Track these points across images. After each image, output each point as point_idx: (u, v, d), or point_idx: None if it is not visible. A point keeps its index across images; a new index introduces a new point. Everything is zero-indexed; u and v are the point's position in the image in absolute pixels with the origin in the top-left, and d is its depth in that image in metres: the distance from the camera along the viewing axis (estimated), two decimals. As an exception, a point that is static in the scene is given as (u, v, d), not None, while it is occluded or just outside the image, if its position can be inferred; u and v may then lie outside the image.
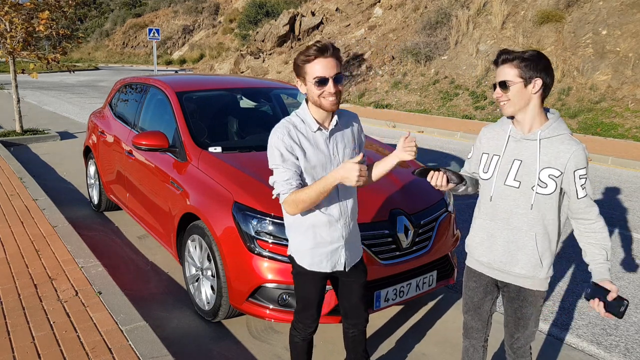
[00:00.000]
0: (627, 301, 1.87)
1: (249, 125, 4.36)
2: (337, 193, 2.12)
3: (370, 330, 3.32)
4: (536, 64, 1.93)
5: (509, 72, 1.97)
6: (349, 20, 21.47)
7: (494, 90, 2.04)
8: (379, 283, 3.00)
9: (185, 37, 44.80)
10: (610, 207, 6.06)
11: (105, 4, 62.81)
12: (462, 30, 15.78)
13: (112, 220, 5.38)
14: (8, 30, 9.22)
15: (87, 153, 5.91)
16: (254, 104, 4.70)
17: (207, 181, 3.35)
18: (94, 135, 5.61)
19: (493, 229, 2.11)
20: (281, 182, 2.02)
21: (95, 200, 5.61)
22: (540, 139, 1.98)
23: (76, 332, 2.91)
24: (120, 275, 4.00)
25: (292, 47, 22.20)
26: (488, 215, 2.13)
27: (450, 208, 3.55)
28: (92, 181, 5.74)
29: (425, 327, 3.39)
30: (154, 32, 20.47)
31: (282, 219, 2.84)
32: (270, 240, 2.91)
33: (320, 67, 1.96)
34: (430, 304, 3.69)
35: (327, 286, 2.38)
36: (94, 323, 3.01)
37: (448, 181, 2.03)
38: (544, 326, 3.41)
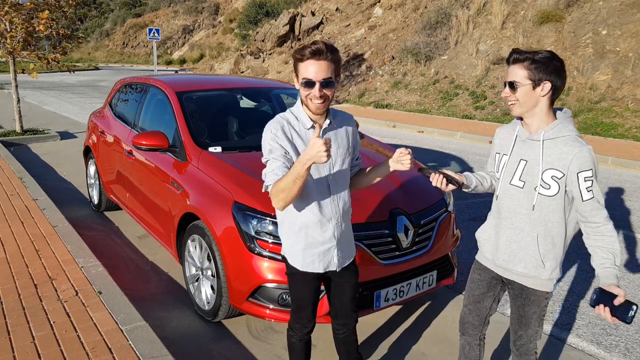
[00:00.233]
0: (637, 305, 1.77)
1: (249, 125, 4.36)
2: (329, 193, 2.11)
3: (370, 329, 3.32)
4: (546, 67, 1.90)
5: (518, 73, 1.95)
6: (349, 20, 21.47)
7: (504, 88, 2.03)
8: (379, 283, 3.00)
9: (185, 37, 44.80)
10: (611, 207, 6.06)
11: (105, 4, 62.81)
12: (462, 30, 15.78)
13: (112, 220, 5.38)
14: (8, 30, 9.22)
15: (87, 153, 5.91)
16: (254, 104, 4.70)
17: (207, 181, 3.35)
18: (94, 135, 5.61)
19: (498, 227, 2.14)
20: (268, 173, 2.01)
21: (95, 200, 5.61)
22: (543, 140, 1.97)
23: (76, 332, 2.91)
24: (120, 275, 4.00)
25: (292, 47, 22.19)
26: (495, 213, 2.18)
27: (450, 208, 3.55)
28: (92, 181, 5.74)
29: (425, 326, 3.39)
30: (154, 32, 20.47)
31: (282, 218, 2.84)
32: (270, 240, 2.91)
33: (310, 69, 1.94)
34: (430, 304, 3.69)
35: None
36: (94, 323, 3.01)
37: (448, 183, 2.07)
38: (545, 326, 3.41)
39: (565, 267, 4.36)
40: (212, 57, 33.15)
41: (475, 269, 2.31)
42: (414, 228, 3.14)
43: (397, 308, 3.61)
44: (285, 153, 2.01)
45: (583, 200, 1.94)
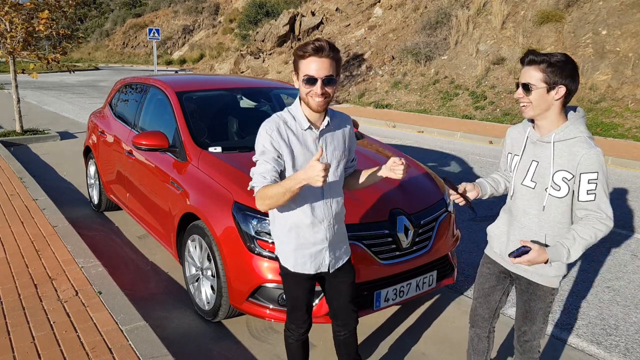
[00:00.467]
0: (527, 252, 1.92)
1: (249, 125, 4.35)
2: (321, 194, 2.10)
3: (370, 330, 3.32)
4: (562, 70, 1.89)
5: (533, 75, 1.93)
6: (349, 20, 21.47)
7: (517, 89, 2.01)
8: (379, 283, 3.00)
9: (185, 37, 44.80)
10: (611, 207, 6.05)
11: (105, 4, 62.81)
12: (462, 30, 15.79)
13: (112, 220, 5.38)
14: (8, 30, 9.22)
15: (87, 153, 5.91)
16: (254, 104, 4.70)
17: (207, 181, 3.35)
18: (94, 135, 5.61)
19: (508, 224, 2.19)
20: (257, 174, 2.00)
21: (95, 200, 5.61)
22: (554, 142, 1.98)
23: (76, 332, 2.91)
24: (120, 275, 4.00)
25: (292, 47, 22.18)
26: (507, 211, 2.22)
27: (450, 208, 3.55)
28: (92, 181, 5.74)
29: (425, 326, 3.39)
30: (154, 32, 20.48)
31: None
32: (270, 240, 2.90)
33: (312, 66, 1.93)
34: (430, 304, 3.69)
35: None
36: (94, 323, 3.01)
37: (465, 201, 2.20)
38: (544, 326, 3.42)
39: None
40: (212, 57, 33.15)
41: (484, 263, 2.35)
42: (414, 228, 3.14)
43: (397, 308, 3.61)
44: (278, 157, 2.00)
45: (579, 200, 1.96)
